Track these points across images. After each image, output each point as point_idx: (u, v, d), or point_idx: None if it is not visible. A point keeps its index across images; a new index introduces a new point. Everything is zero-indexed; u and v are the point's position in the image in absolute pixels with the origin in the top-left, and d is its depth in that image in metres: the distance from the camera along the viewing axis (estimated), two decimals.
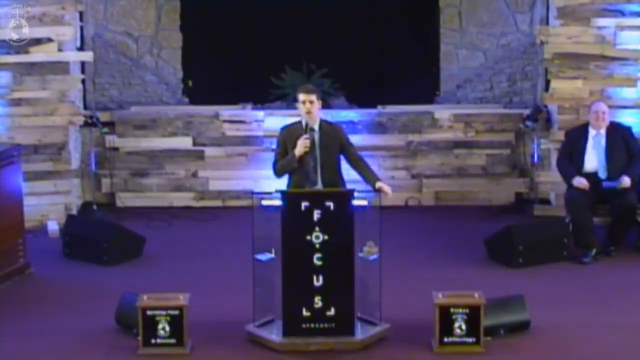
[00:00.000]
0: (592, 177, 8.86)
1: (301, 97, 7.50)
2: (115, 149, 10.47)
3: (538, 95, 10.60)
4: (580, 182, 8.74)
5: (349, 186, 7.54)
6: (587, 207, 8.73)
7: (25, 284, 8.33)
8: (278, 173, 7.66)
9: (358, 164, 7.63)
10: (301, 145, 7.45)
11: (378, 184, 7.38)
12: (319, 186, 7.51)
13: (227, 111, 10.59)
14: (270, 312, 7.06)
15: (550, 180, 10.08)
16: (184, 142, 10.51)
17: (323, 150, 7.52)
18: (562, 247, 8.69)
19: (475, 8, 10.84)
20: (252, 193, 7.23)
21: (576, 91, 9.93)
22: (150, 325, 6.80)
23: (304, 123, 7.51)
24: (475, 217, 10.03)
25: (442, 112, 10.53)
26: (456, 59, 10.95)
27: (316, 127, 7.55)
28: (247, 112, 10.60)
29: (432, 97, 10.97)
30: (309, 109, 7.46)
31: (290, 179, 7.65)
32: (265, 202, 7.00)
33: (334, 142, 7.57)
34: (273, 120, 10.19)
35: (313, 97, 7.47)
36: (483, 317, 6.78)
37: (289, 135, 7.60)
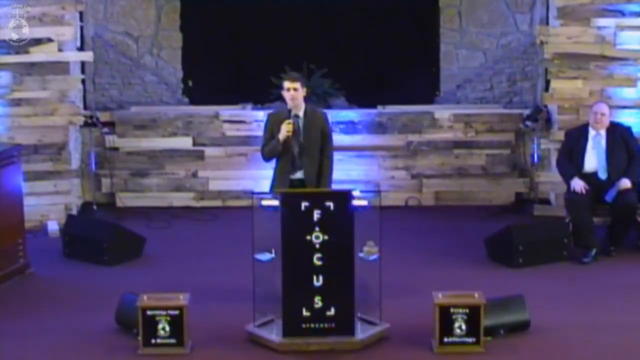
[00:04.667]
0: (592, 177, 8.86)
1: (285, 84, 7.73)
2: (115, 149, 10.47)
3: (538, 95, 10.60)
4: (577, 184, 8.73)
5: (344, 186, 7.67)
6: (587, 207, 8.73)
7: (25, 284, 8.33)
8: (266, 157, 7.92)
9: (322, 162, 7.76)
10: (284, 130, 7.64)
11: None
12: (302, 171, 7.70)
13: (227, 111, 10.59)
14: (270, 312, 7.06)
15: (550, 180, 10.08)
16: (184, 142, 10.51)
17: (307, 136, 7.73)
18: (562, 247, 8.69)
19: (475, 8, 10.84)
20: (252, 193, 7.25)
21: (576, 91, 9.93)
22: (150, 325, 6.80)
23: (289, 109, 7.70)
24: (475, 217, 10.03)
25: (442, 112, 10.52)
26: (456, 59, 10.95)
27: (301, 114, 7.75)
28: (247, 112, 10.60)
29: (432, 97, 10.97)
30: (293, 95, 7.68)
31: (277, 164, 7.85)
32: (265, 202, 7.01)
33: (316, 128, 7.78)
34: None
35: (297, 85, 7.69)
36: (483, 317, 6.79)
37: (275, 120, 7.82)
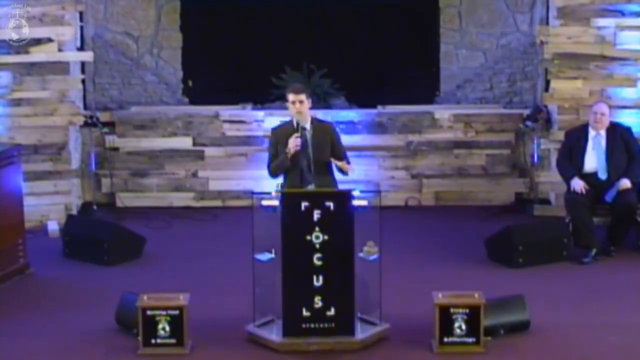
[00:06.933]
0: (591, 177, 8.86)
1: (290, 97, 7.54)
2: (115, 149, 10.48)
3: (538, 95, 10.60)
4: (577, 184, 8.74)
5: (342, 187, 7.57)
6: (587, 207, 8.73)
7: (25, 284, 8.33)
8: (273, 173, 7.74)
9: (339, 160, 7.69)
10: (292, 145, 7.49)
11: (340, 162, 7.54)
12: (312, 186, 7.56)
13: (227, 111, 10.59)
14: (270, 312, 7.06)
15: (550, 180, 10.08)
16: (184, 142, 10.51)
17: (315, 149, 7.59)
18: (562, 247, 8.69)
19: (475, 8, 10.84)
20: (252, 193, 7.23)
21: (576, 91, 9.94)
22: (150, 325, 6.80)
23: (295, 122, 7.55)
24: (475, 217, 10.03)
25: (442, 112, 10.53)
26: (456, 59, 10.95)
27: (308, 126, 7.62)
28: (247, 112, 10.60)
29: (432, 97, 10.97)
30: (299, 109, 7.52)
31: (285, 178, 7.70)
32: (265, 202, 6.99)
33: (325, 140, 7.63)
34: (273, 120, 10.15)
35: (302, 97, 7.52)
36: (483, 317, 6.79)
37: (280, 135, 7.66)
